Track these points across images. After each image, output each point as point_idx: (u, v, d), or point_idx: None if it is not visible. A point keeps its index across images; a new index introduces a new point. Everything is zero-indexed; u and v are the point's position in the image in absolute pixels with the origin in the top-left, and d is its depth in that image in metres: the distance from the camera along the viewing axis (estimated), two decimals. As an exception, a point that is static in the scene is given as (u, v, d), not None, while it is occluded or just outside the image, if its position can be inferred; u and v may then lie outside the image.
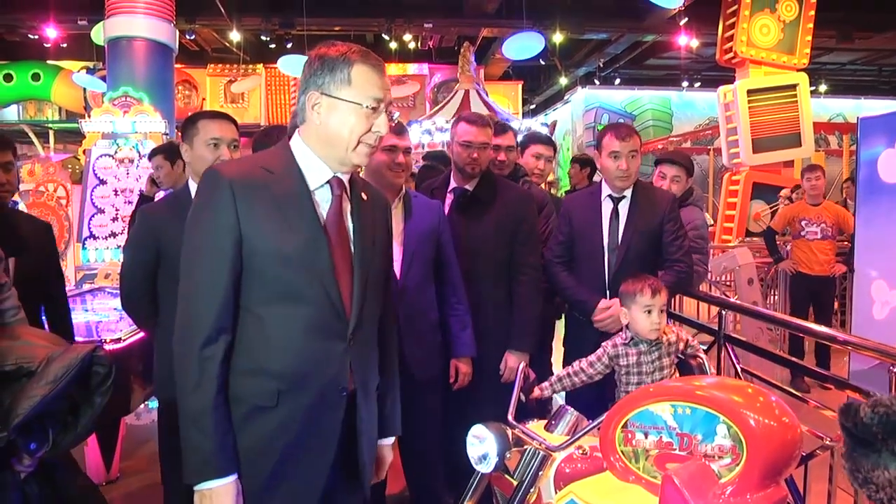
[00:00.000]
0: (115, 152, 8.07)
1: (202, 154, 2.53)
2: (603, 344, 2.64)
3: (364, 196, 1.78)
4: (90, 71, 14.05)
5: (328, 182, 1.68)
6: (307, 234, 1.61)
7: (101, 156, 8.10)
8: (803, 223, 5.95)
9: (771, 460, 1.61)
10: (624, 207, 3.12)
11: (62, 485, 1.71)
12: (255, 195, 1.59)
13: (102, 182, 8.06)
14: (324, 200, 1.68)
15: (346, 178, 1.71)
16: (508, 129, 3.65)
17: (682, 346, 2.60)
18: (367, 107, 1.63)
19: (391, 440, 1.95)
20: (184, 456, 1.56)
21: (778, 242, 6.38)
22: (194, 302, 1.57)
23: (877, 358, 2.60)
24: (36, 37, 12.97)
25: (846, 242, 6.13)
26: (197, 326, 1.55)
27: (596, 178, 5.58)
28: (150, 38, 8.81)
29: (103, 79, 10.38)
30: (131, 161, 8.00)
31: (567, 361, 2.76)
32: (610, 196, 3.14)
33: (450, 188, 3.09)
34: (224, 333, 1.57)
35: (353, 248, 1.69)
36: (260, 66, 15.66)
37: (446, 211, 3.01)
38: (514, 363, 2.85)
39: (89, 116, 9.03)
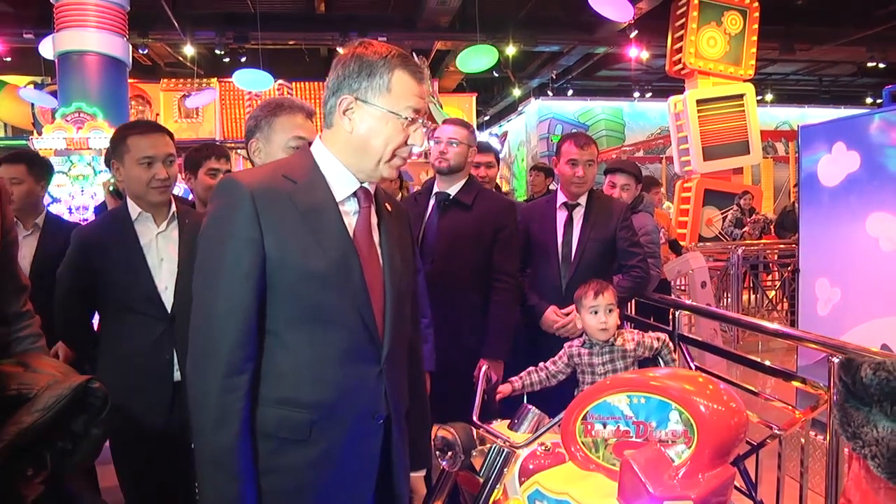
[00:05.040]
0: (69, 169, 7.91)
1: (136, 174, 2.32)
2: (566, 344, 2.74)
3: (388, 207, 1.65)
4: (38, 86, 13.70)
5: (354, 193, 1.55)
6: (338, 251, 1.47)
7: (54, 173, 7.94)
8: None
9: (720, 442, 1.71)
10: (578, 216, 3.21)
11: None
12: (279, 207, 1.44)
13: (56, 200, 7.91)
14: (350, 213, 1.54)
15: (371, 189, 1.59)
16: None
17: (647, 352, 2.66)
18: (405, 117, 1.50)
19: (423, 472, 1.83)
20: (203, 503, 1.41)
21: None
22: (214, 328, 1.41)
23: (820, 350, 2.73)
24: (-23, 51, 12.65)
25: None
26: (218, 355, 1.40)
27: (552, 186, 5.71)
28: (102, 53, 8.64)
29: (53, 94, 10.14)
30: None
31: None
32: (565, 204, 3.23)
33: (434, 191, 3.06)
34: (250, 361, 1.42)
35: (382, 264, 1.56)
36: (214, 80, 15.45)
37: (428, 213, 3.00)
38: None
39: (39, 133, 8.82)
